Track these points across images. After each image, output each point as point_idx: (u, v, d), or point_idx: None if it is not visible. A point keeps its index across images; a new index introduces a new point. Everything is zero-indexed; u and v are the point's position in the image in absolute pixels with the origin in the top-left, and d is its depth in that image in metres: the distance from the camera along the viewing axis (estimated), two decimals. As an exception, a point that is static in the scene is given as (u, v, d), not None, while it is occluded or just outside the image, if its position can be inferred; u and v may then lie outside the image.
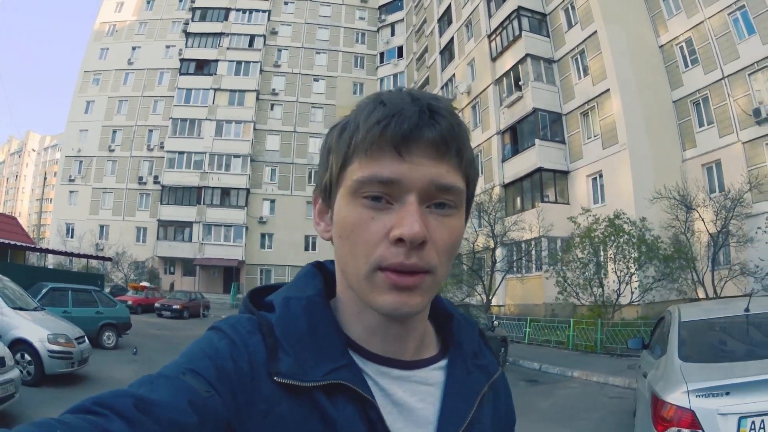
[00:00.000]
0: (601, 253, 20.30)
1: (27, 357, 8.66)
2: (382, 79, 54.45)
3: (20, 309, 9.44)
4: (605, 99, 26.87)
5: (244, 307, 0.88)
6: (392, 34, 56.61)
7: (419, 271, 0.75)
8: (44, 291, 12.80)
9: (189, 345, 0.78)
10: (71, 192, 49.44)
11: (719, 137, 25.09)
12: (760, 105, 22.97)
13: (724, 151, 24.75)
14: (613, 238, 19.74)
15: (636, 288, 19.43)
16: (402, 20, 55.86)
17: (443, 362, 0.90)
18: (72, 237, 45.15)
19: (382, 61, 56.50)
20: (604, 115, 26.97)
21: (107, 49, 52.46)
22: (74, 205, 48.87)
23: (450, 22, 41.29)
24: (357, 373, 0.79)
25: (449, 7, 41.35)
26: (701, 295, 19.52)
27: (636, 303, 20.46)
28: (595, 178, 27.49)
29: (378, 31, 57.74)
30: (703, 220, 19.96)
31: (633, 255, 19.51)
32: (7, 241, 20.32)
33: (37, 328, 8.92)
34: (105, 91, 51.18)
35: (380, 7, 58.29)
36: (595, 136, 27.59)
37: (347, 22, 57.50)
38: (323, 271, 0.93)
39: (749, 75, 23.92)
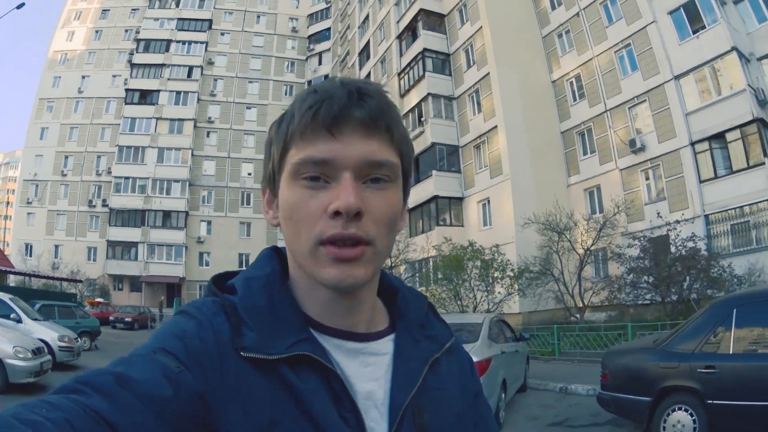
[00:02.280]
0: (465, 273, 21.74)
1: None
2: (308, 107, 58.39)
3: (33, 319, 14.45)
4: (494, 134, 29.15)
5: (208, 291, 0.90)
6: (320, 63, 59.79)
7: (359, 243, 0.79)
8: (37, 306, 17.37)
9: (158, 328, 0.84)
10: (29, 214, 52.08)
11: (600, 164, 27.72)
12: (636, 136, 25.58)
13: (604, 177, 27.40)
14: (472, 261, 21.73)
15: (495, 299, 21.52)
16: (329, 50, 59.21)
17: (393, 335, 0.94)
18: (31, 256, 47.66)
19: (309, 88, 60.16)
20: (493, 148, 29.24)
21: (60, 77, 55.07)
22: (31, 226, 51.51)
23: (368, 57, 44.51)
24: (318, 345, 0.83)
25: (368, 43, 44.77)
26: (570, 304, 22.00)
27: (516, 313, 23.24)
28: (484, 204, 29.75)
29: (307, 60, 60.97)
30: (569, 241, 22.14)
31: (492, 275, 21.50)
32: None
33: (49, 332, 13.59)
34: (58, 118, 53.84)
35: (309, 37, 61.39)
36: (485, 167, 29.79)
37: (278, 52, 60.70)
38: (279, 254, 0.95)
39: (629, 108, 26.45)
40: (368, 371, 0.87)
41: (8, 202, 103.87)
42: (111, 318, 32.39)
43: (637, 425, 7.37)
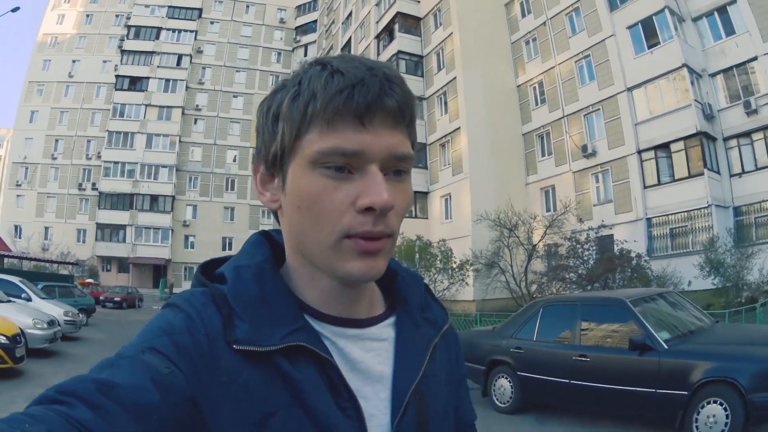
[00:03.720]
0: (413, 263, 23.06)
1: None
2: (294, 96, 59.61)
3: (41, 298, 16.52)
4: (457, 135, 30.75)
5: (196, 281, 0.86)
6: (305, 54, 60.43)
7: (382, 236, 0.77)
8: (40, 287, 19.10)
9: (146, 324, 0.78)
10: (18, 196, 53.14)
11: (555, 166, 29.28)
12: (589, 142, 27.08)
13: (559, 178, 28.93)
14: (421, 254, 23.58)
15: (438, 288, 22.80)
16: (314, 42, 60.50)
17: (392, 319, 0.91)
18: (20, 238, 48.68)
19: (294, 79, 61.34)
20: (455, 147, 30.86)
21: (50, 60, 55.78)
22: (21, 208, 52.67)
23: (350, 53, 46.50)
24: (314, 334, 0.80)
25: (350, 39, 46.35)
26: (518, 294, 22.47)
27: (470, 300, 24.86)
28: (446, 199, 31.41)
29: (293, 51, 62.22)
30: (518, 237, 22.87)
31: (436, 266, 23.41)
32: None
33: (56, 308, 15.59)
34: (48, 101, 54.68)
35: (296, 28, 62.70)
36: (448, 165, 31.48)
37: (266, 42, 61.92)
38: (270, 240, 0.91)
39: (584, 116, 27.87)
40: (371, 356, 0.85)
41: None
42: (101, 298, 33.88)
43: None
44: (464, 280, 23.87)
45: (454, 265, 23.83)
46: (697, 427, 6.32)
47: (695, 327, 7.79)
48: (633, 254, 20.14)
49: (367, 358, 0.85)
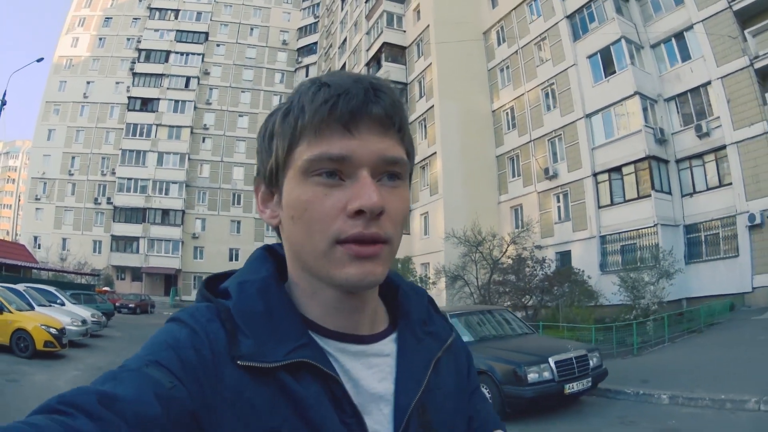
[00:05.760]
0: None
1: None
2: (295, 116, 62.03)
3: (73, 303, 19.94)
4: (434, 159, 32.45)
5: (201, 296, 0.87)
6: (306, 75, 61.30)
7: (377, 241, 0.77)
8: (68, 294, 22.29)
9: (151, 336, 0.79)
10: (37, 209, 56.02)
11: (523, 187, 30.78)
12: (551, 165, 28.48)
13: (525, 198, 30.46)
14: (402, 270, 24.98)
15: None
16: (315, 63, 62.92)
17: (395, 334, 0.91)
18: (40, 248, 50.94)
19: (296, 99, 63.77)
20: (433, 170, 32.62)
21: (65, 81, 58.71)
22: (40, 220, 55.46)
23: None
24: (318, 350, 0.80)
25: (344, 64, 48.27)
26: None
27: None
28: (425, 217, 33.13)
29: (295, 71, 64.71)
30: (481, 253, 23.48)
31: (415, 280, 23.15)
32: (22, 263, 30.80)
33: (84, 311, 18.82)
34: (64, 120, 57.60)
35: (298, 50, 65.47)
36: (426, 186, 33.21)
37: (269, 63, 64.69)
38: (273, 255, 0.92)
39: (548, 140, 29.26)
40: (372, 373, 0.85)
41: (9, 192, 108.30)
42: (117, 304, 36.43)
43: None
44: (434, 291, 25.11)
45: (412, 278, 25.45)
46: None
47: (500, 334, 10.31)
48: (580, 271, 22.13)
49: (370, 375, 0.85)
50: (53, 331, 13.16)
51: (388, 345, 0.90)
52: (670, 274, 19.44)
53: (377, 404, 0.84)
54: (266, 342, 0.78)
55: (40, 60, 28.71)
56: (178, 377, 0.71)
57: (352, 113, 0.76)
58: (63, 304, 18.79)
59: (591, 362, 9.53)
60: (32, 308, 14.72)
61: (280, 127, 0.82)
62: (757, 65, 21.78)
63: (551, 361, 8.88)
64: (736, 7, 22.40)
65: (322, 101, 0.76)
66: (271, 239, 47.25)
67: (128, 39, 61.38)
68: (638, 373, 11.59)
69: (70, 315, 16.30)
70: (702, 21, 23.58)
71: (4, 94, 24.61)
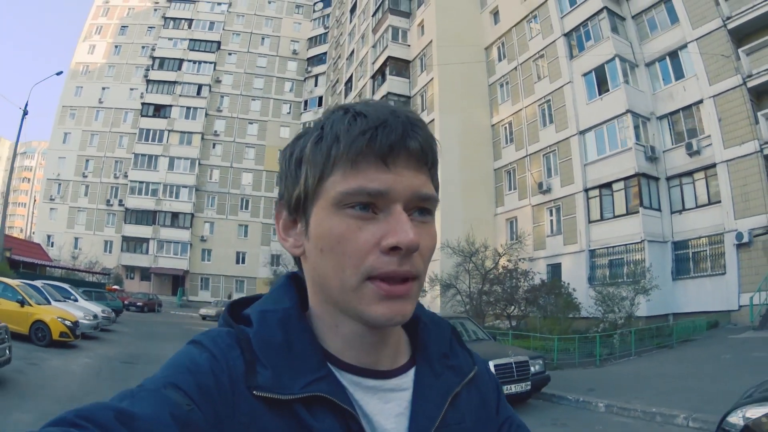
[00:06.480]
0: None
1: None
2: (304, 124, 58.32)
3: (85, 300, 21.29)
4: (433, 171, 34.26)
5: (224, 321, 0.86)
6: (315, 84, 64.41)
7: (407, 279, 0.76)
8: (81, 291, 23.63)
9: (170, 358, 0.78)
10: (51, 209, 57.73)
11: (518, 200, 31.22)
12: (545, 179, 28.82)
13: (520, 210, 30.94)
14: None
15: None
16: (324, 73, 63.84)
17: (414, 368, 0.88)
18: (53, 246, 52.34)
19: (305, 107, 64.18)
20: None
21: (81, 87, 60.60)
22: (53, 220, 57.12)
23: (351, 89, 48.65)
24: (336, 384, 0.78)
25: (352, 76, 49.24)
26: (471, 313, 21.98)
27: None
28: None
29: (305, 80, 65.82)
30: (474, 263, 23.63)
31: None
32: (38, 261, 32.43)
33: (96, 307, 20.14)
34: (80, 125, 59.42)
35: (308, 59, 66.42)
36: None
37: (279, 72, 66.05)
38: (297, 283, 0.90)
39: (543, 155, 29.59)
40: (389, 407, 0.83)
41: (24, 191, 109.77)
42: (125, 302, 37.49)
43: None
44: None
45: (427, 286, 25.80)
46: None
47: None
48: (566, 283, 22.76)
49: (385, 410, 0.82)
50: (68, 323, 14.58)
51: (406, 379, 0.87)
52: (647, 290, 19.84)
53: None
54: (284, 374, 0.77)
55: (59, 73, 30.32)
56: (195, 401, 0.70)
57: (391, 147, 0.75)
58: (76, 300, 20.13)
59: (533, 368, 10.53)
60: (49, 303, 16.01)
61: (311, 153, 0.79)
62: (750, 84, 22.05)
63: (491, 364, 9.64)
64: (730, 26, 22.70)
65: (360, 132, 0.75)
66: (277, 243, 48.17)
67: (143, 47, 63.13)
68: (588, 383, 12.39)
69: (82, 310, 17.78)
70: (696, 40, 23.93)
71: (26, 105, 25.98)
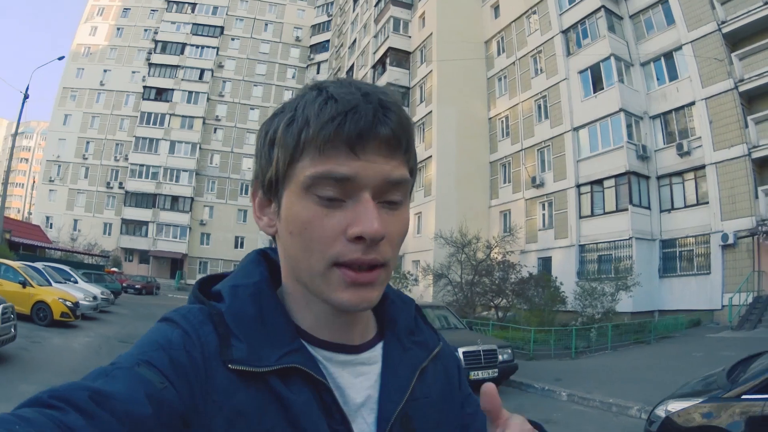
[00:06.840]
0: None
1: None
2: (305, 111, 62.71)
3: (84, 281, 21.86)
4: (429, 162, 32.99)
5: (194, 298, 0.86)
6: (318, 72, 64.24)
7: (376, 266, 0.76)
8: (80, 273, 24.10)
9: (142, 336, 0.78)
10: (51, 191, 57.78)
11: (512, 193, 31.65)
12: (538, 174, 29.30)
13: (514, 203, 31.40)
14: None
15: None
16: (326, 61, 64.18)
17: (382, 343, 0.90)
18: (51, 228, 52.29)
19: (307, 95, 65.04)
20: (427, 173, 33.17)
21: (83, 69, 60.35)
22: (53, 201, 57.15)
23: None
24: (309, 357, 0.80)
25: (353, 65, 49.63)
26: (463, 303, 22.72)
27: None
28: (418, 216, 33.42)
29: (307, 68, 66.17)
30: (466, 254, 23.77)
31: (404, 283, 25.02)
32: (37, 243, 32.96)
33: (95, 288, 20.68)
34: (81, 107, 59.30)
35: (311, 47, 66.69)
36: (421, 187, 33.55)
37: (282, 59, 66.08)
38: (267, 259, 0.91)
39: (538, 150, 30.07)
40: (359, 381, 0.85)
41: (23, 171, 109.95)
42: (124, 284, 37.37)
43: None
44: (407, 287, 25.59)
45: (412, 276, 27.06)
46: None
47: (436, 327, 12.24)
48: (554, 277, 23.21)
49: (356, 383, 0.84)
50: (69, 304, 15.17)
51: (376, 354, 0.89)
52: (628, 287, 20.37)
53: (361, 412, 0.84)
54: (259, 347, 0.77)
55: (61, 58, 30.42)
56: (169, 379, 0.70)
57: (360, 134, 0.74)
58: (76, 282, 20.71)
59: (501, 357, 11.15)
60: (50, 284, 16.54)
61: (282, 136, 0.78)
62: (742, 88, 22.33)
63: (460, 351, 10.17)
64: (725, 30, 22.99)
65: (329, 118, 0.74)
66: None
67: (145, 30, 62.83)
68: (558, 373, 12.90)
69: (82, 291, 18.35)
70: (691, 42, 24.23)
71: (27, 89, 26.20)
